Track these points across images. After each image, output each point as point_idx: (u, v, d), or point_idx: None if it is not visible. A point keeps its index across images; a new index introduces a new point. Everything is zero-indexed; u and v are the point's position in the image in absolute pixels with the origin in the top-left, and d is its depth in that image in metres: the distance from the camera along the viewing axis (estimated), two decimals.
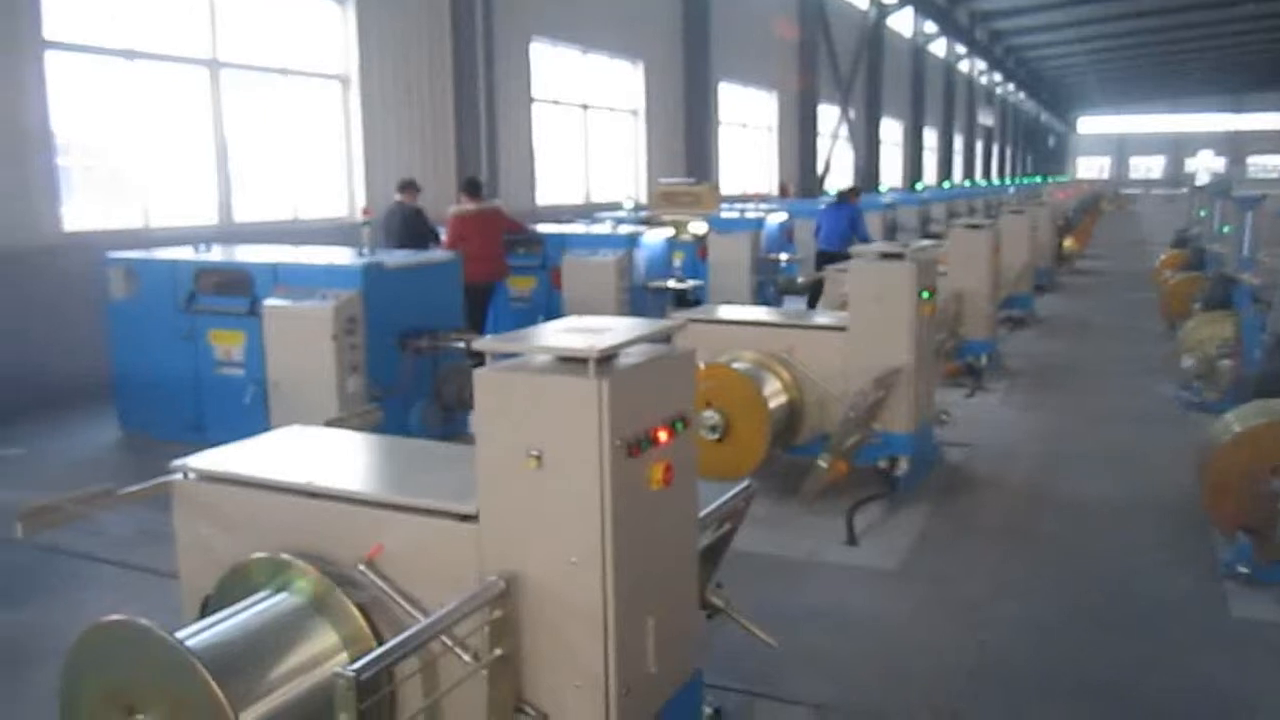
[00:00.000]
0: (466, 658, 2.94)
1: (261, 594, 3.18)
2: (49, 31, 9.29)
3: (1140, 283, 16.64)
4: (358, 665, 2.38)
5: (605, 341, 2.85)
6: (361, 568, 3.09)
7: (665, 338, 3.15)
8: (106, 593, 5.05)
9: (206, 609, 3.38)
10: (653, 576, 3.03)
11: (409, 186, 10.42)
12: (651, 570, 3.02)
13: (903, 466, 6.38)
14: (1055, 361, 10.94)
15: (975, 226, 10.05)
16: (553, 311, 10.52)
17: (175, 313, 7.42)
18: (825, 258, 12.15)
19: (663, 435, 2.99)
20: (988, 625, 4.63)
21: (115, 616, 2.77)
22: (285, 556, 3.17)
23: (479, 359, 3.03)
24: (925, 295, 6.50)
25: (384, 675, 2.66)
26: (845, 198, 13.30)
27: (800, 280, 13.22)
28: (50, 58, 9.31)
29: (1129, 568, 5.31)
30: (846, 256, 12.10)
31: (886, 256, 6.56)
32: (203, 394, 7.35)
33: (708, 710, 3.56)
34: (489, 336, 2.97)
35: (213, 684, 2.59)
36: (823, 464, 6.01)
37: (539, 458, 2.82)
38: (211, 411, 7.25)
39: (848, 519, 5.81)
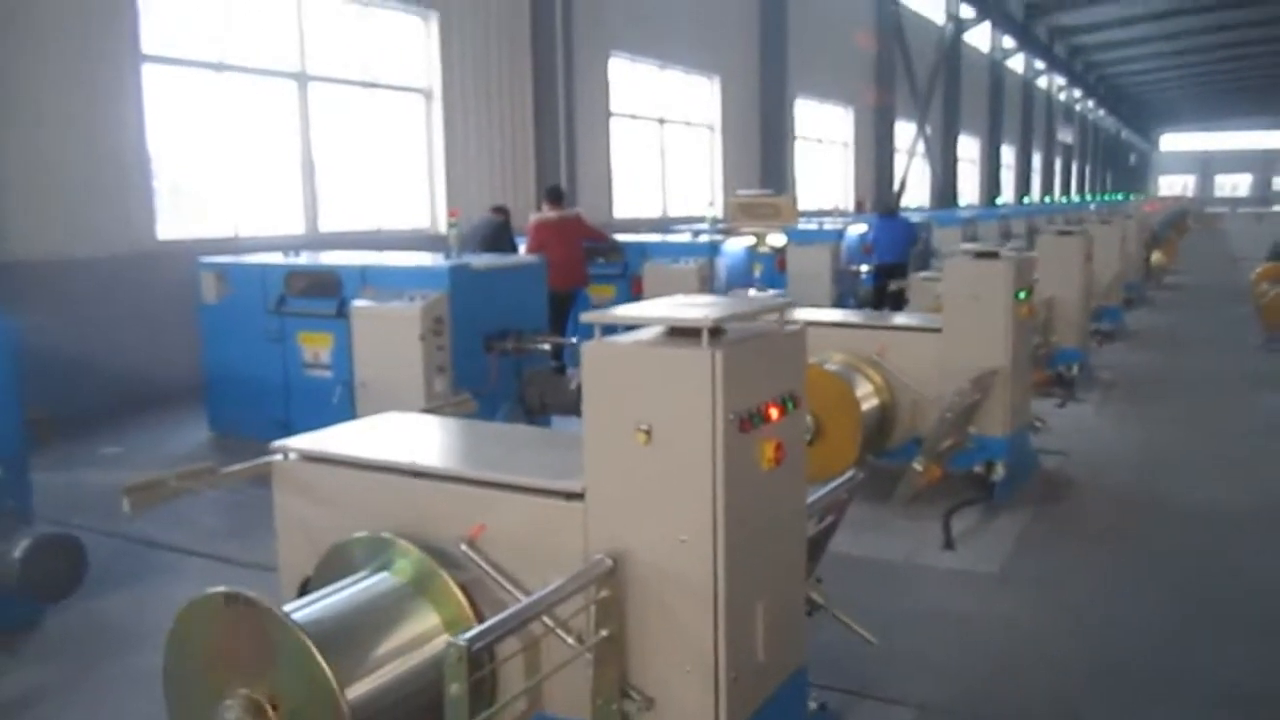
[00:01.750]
0: (570, 639, 2.87)
1: (362, 574, 3.15)
2: (146, 45, 9.54)
3: (1232, 297, 16.09)
4: (470, 635, 2.32)
5: (718, 312, 2.77)
6: (464, 547, 3.04)
7: (777, 314, 3.06)
8: (199, 582, 5.06)
9: (305, 590, 3.36)
10: (763, 560, 2.93)
11: (500, 210, 10.46)
12: (762, 553, 2.92)
13: (999, 471, 6.17)
14: (1150, 374, 10.59)
15: (1067, 233, 9.79)
16: None
17: (265, 315, 7.51)
18: (884, 270, 12.22)
19: (774, 412, 2.89)
20: (1100, 629, 4.43)
21: (220, 589, 2.75)
22: (386, 535, 3.14)
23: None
24: (1022, 295, 6.30)
25: (485, 654, 2.59)
26: (893, 210, 13.76)
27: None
28: (146, 71, 9.56)
29: (1249, 574, 5.05)
30: (904, 268, 12.34)
31: (982, 255, 6.39)
32: (291, 395, 7.43)
33: (812, 705, 3.44)
34: (598, 310, 2.90)
35: (319, 659, 2.55)
36: (918, 467, 5.85)
37: (648, 433, 2.74)
38: (299, 412, 7.31)
39: (944, 523, 5.63)
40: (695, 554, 2.73)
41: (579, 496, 2.90)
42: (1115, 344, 12.15)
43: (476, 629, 2.36)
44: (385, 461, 3.28)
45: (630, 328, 2.97)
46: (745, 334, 2.89)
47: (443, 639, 2.98)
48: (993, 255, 6.37)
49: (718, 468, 2.68)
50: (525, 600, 2.57)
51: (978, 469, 6.23)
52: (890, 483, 5.70)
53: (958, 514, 5.76)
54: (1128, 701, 3.79)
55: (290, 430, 3.66)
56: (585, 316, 2.90)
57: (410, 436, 3.65)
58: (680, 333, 2.83)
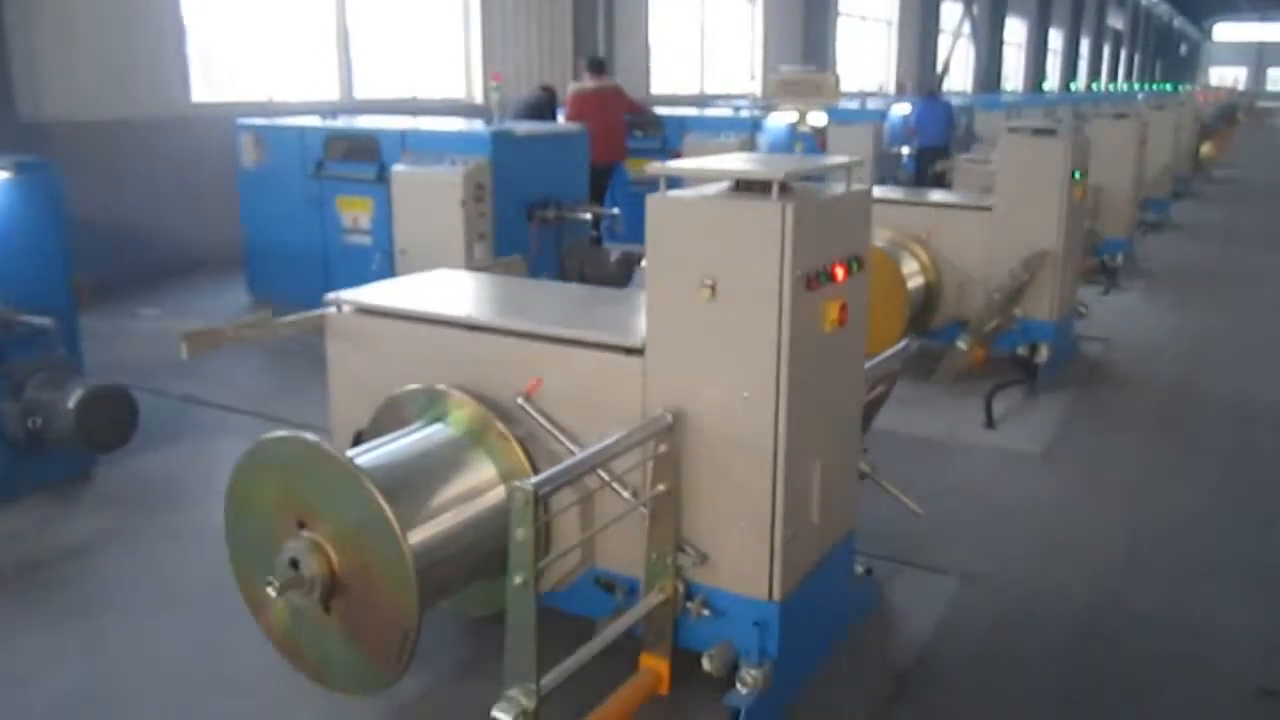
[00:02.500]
0: (626, 494, 2.88)
1: (417, 425, 3.16)
2: None
3: None
4: (536, 480, 2.32)
5: (789, 166, 2.69)
6: (520, 401, 3.04)
7: (845, 172, 2.97)
8: (246, 439, 5.13)
9: (359, 443, 3.38)
10: (822, 422, 2.92)
11: (547, 89, 10.21)
12: (821, 415, 2.90)
13: (1043, 354, 6.11)
14: (1196, 266, 10.38)
15: (1121, 116, 9.48)
16: None
17: (303, 179, 7.44)
18: (926, 154, 11.98)
19: (839, 272, 2.84)
20: (1140, 511, 4.42)
21: (282, 432, 2.77)
22: (442, 387, 3.14)
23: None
24: (1077, 176, 6.13)
25: (542, 505, 2.59)
26: (934, 93, 13.35)
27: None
28: None
29: None
30: (946, 151, 12.08)
31: (1039, 133, 6.20)
32: (330, 261, 7.40)
33: (859, 570, 3.47)
34: (662, 161, 2.82)
35: (382, 501, 2.56)
36: (963, 346, 5.80)
37: (713, 288, 2.69)
38: (338, 279, 7.17)
39: (987, 402, 5.60)
40: (756, 412, 2.71)
41: (639, 352, 2.87)
42: (1160, 236, 11.90)
43: (542, 475, 2.36)
44: (440, 315, 3.26)
45: (666, 183, 2.89)
46: (813, 192, 2.81)
47: (500, 489, 3.01)
48: (1050, 133, 6.18)
49: (783, 325, 2.63)
50: (585, 452, 2.56)
51: (1021, 351, 6.17)
52: (933, 363, 5.66)
53: (1000, 395, 5.72)
54: (1165, 582, 3.80)
55: None
56: (651, 168, 2.82)
57: (464, 291, 3.62)
58: (748, 188, 2.75)
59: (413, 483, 2.90)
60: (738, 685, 2.79)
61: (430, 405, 3.17)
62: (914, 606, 3.59)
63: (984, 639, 3.42)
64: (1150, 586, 3.76)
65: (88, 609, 3.58)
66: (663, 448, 2.79)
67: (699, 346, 2.75)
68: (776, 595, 2.82)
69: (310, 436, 2.74)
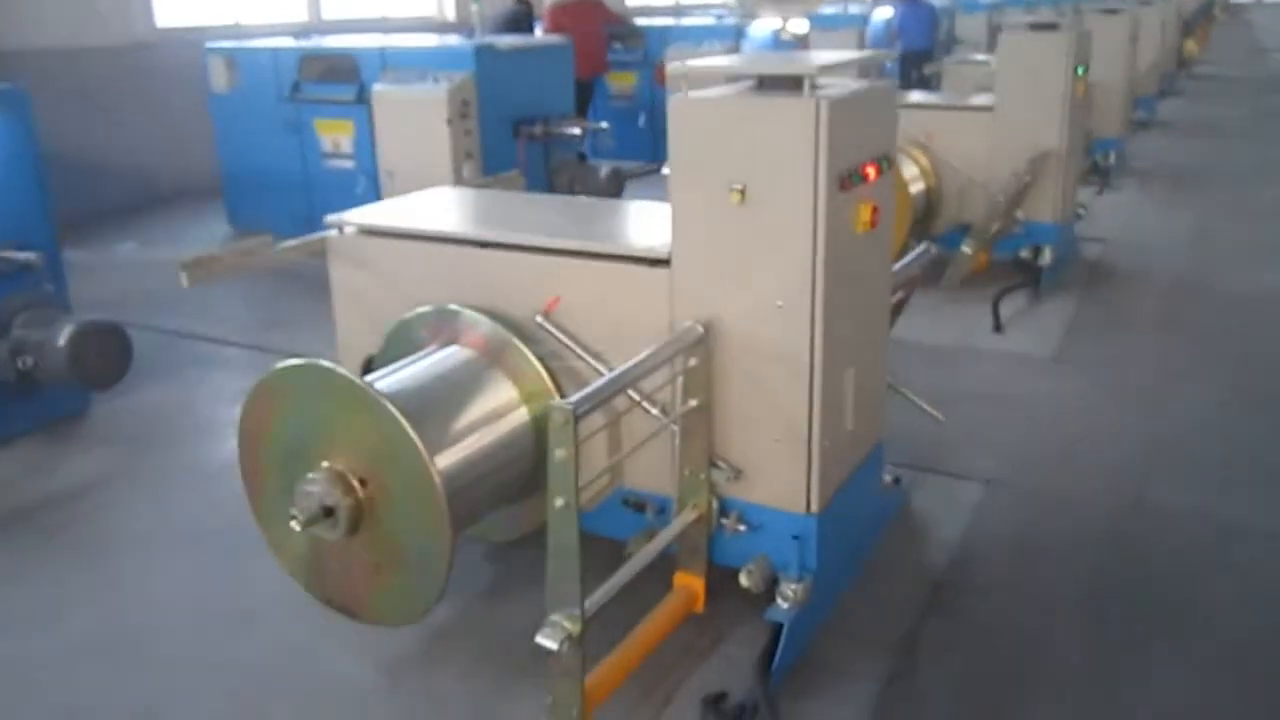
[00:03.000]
0: (655, 411, 2.79)
1: (431, 348, 3.05)
2: None
3: (1267, 89, 15.52)
4: (575, 399, 2.22)
5: (822, 59, 2.55)
6: (539, 320, 2.93)
7: (876, 69, 2.83)
8: (243, 372, 5.02)
9: (369, 369, 3.27)
10: (855, 327, 2.82)
11: (523, 1, 9.85)
12: (854, 321, 2.81)
13: (1047, 257, 6.02)
14: (1187, 163, 10.27)
15: (1113, 12, 9.27)
16: (656, 109, 10.10)
17: (279, 103, 7.17)
18: (910, 57, 11.69)
19: (871, 172, 2.72)
20: (1159, 410, 4.38)
21: (296, 360, 2.64)
22: (455, 308, 3.02)
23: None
24: (1080, 71, 5.98)
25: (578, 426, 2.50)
26: None
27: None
28: None
29: None
30: (930, 54, 11.82)
31: (1039, 27, 6.02)
32: (312, 187, 7.18)
33: (887, 478, 3.41)
34: (681, 61, 2.67)
35: (408, 427, 2.46)
36: (968, 250, 5.72)
37: (743, 192, 2.57)
38: (322, 205, 6.95)
39: (993, 306, 5.53)
40: (791, 319, 2.61)
41: (664, 263, 2.75)
42: (1149, 133, 11.77)
43: (579, 394, 2.25)
44: (449, 233, 3.13)
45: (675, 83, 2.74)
46: (843, 88, 2.67)
47: (522, 410, 2.91)
48: (1051, 28, 6.01)
49: (819, 228, 2.52)
50: (615, 370, 2.46)
51: (1024, 254, 6.08)
52: (936, 269, 5.56)
53: (1006, 299, 5.65)
54: (1189, 485, 3.76)
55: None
56: (672, 69, 2.67)
57: (470, 208, 3.48)
58: (775, 85, 2.61)
59: (434, 406, 2.79)
60: (778, 600, 2.74)
61: (444, 327, 3.05)
62: (941, 514, 3.55)
63: (1013, 544, 3.38)
64: (1174, 489, 3.72)
65: (98, 550, 3.48)
66: (693, 361, 2.69)
67: (728, 254, 2.64)
68: (814, 508, 2.75)
69: (325, 363, 2.62)
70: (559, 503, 2.23)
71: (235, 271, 3.20)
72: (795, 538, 2.74)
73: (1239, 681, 2.73)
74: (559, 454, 2.20)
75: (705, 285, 2.69)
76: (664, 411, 2.81)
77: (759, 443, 2.75)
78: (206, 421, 4.52)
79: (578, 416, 2.18)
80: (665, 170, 2.75)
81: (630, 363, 2.47)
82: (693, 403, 2.72)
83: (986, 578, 3.19)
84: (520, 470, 2.93)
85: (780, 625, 2.71)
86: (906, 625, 2.96)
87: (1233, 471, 3.85)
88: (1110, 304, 5.88)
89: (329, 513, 2.56)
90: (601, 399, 2.33)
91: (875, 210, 2.75)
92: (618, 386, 2.41)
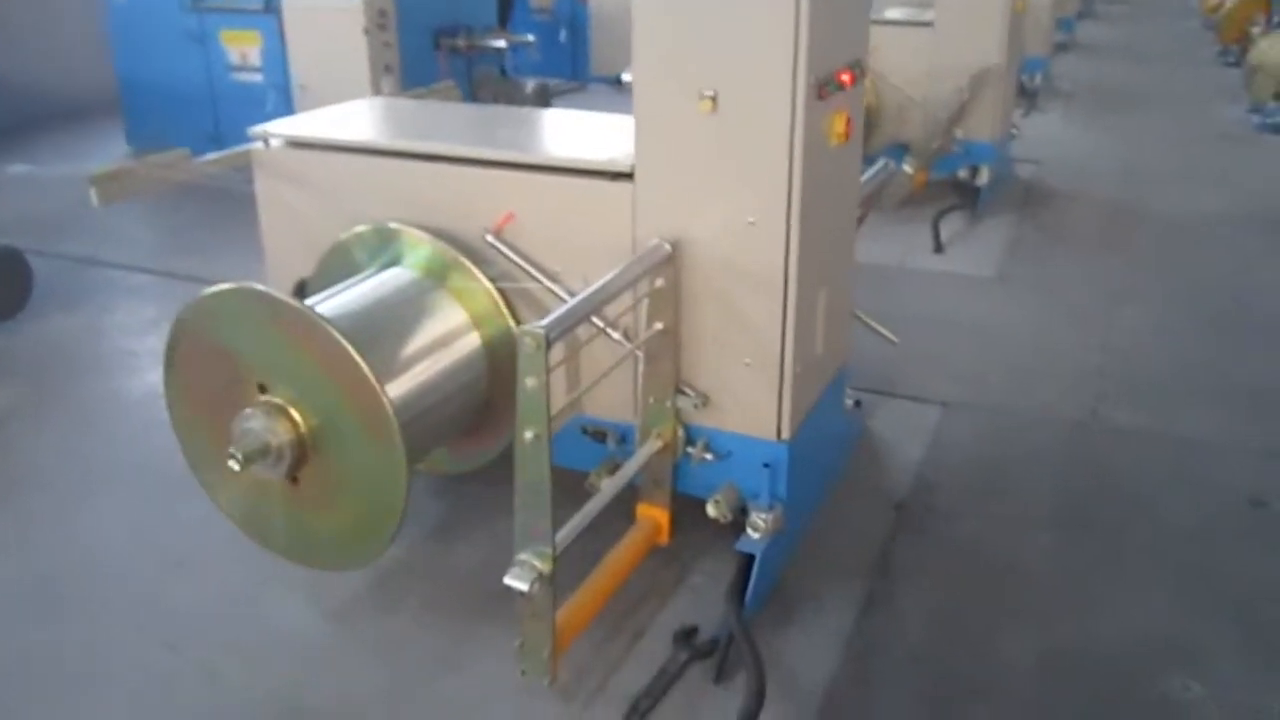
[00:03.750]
0: (617, 335, 2.63)
1: (371, 271, 2.83)
2: None
3: (1182, 12, 15.69)
4: (546, 323, 2.04)
5: None
6: (489, 239, 2.72)
7: None
8: (155, 300, 4.71)
9: (303, 293, 3.04)
10: (827, 246, 2.69)
11: None
12: (826, 239, 2.67)
13: (984, 176, 5.97)
14: (1108, 84, 10.33)
15: None
16: (578, 25, 9.76)
17: (180, 13, 6.69)
18: None
19: (846, 79, 2.56)
20: (1106, 331, 4.37)
21: (227, 285, 2.41)
22: (396, 226, 2.80)
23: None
24: None
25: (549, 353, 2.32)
26: None
27: None
28: None
29: (1242, 276, 5.01)
30: None
31: None
32: (218, 102, 6.75)
33: (848, 403, 3.31)
34: None
35: (355, 353, 2.26)
36: (909, 169, 5.62)
37: (714, 99, 2.39)
38: (229, 122, 6.64)
39: (933, 226, 5.47)
40: (764, 237, 2.46)
41: (627, 177, 2.57)
42: (1069, 55, 11.81)
43: (550, 318, 2.08)
44: (389, 145, 2.89)
45: None
46: None
47: (473, 336, 2.73)
48: None
49: (796, 138, 2.36)
50: (588, 290, 2.28)
51: (962, 175, 6.02)
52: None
53: (945, 218, 5.59)
54: (1142, 399, 3.76)
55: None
56: None
57: (410, 120, 3.24)
58: None
59: (381, 331, 2.59)
60: (748, 530, 2.63)
61: (384, 248, 2.84)
62: (901, 437, 3.48)
63: (974, 465, 3.33)
64: (1129, 404, 3.72)
65: (7, 491, 3.22)
66: (659, 282, 2.53)
67: (697, 168, 2.47)
68: (785, 434, 2.64)
69: (259, 287, 2.40)
70: (529, 435, 2.06)
71: (149, 188, 2.92)
72: (766, 466, 2.63)
73: (1205, 592, 2.72)
74: (530, 382, 2.03)
75: (671, 201, 2.52)
76: (626, 336, 2.65)
77: (728, 368, 2.62)
78: (118, 352, 4.22)
79: (549, 342, 2.01)
80: (627, 77, 2.55)
81: (598, 284, 2.30)
82: (658, 326, 2.56)
83: (951, 500, 3.14)
84: (473, 398, 2.75)
85: (751, 556, 2.61)
86: (876, 551, 2.89)
87: (1183, 388, 3.85)
88: (1048, 225, 5.86)
89: (269, 450, 2.36)
90: (572, 323, 2.15)
91: (849, 122, 2.61)
92: (587, 309, 2.24)
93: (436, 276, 2.77)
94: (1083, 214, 6.10)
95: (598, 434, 2.83)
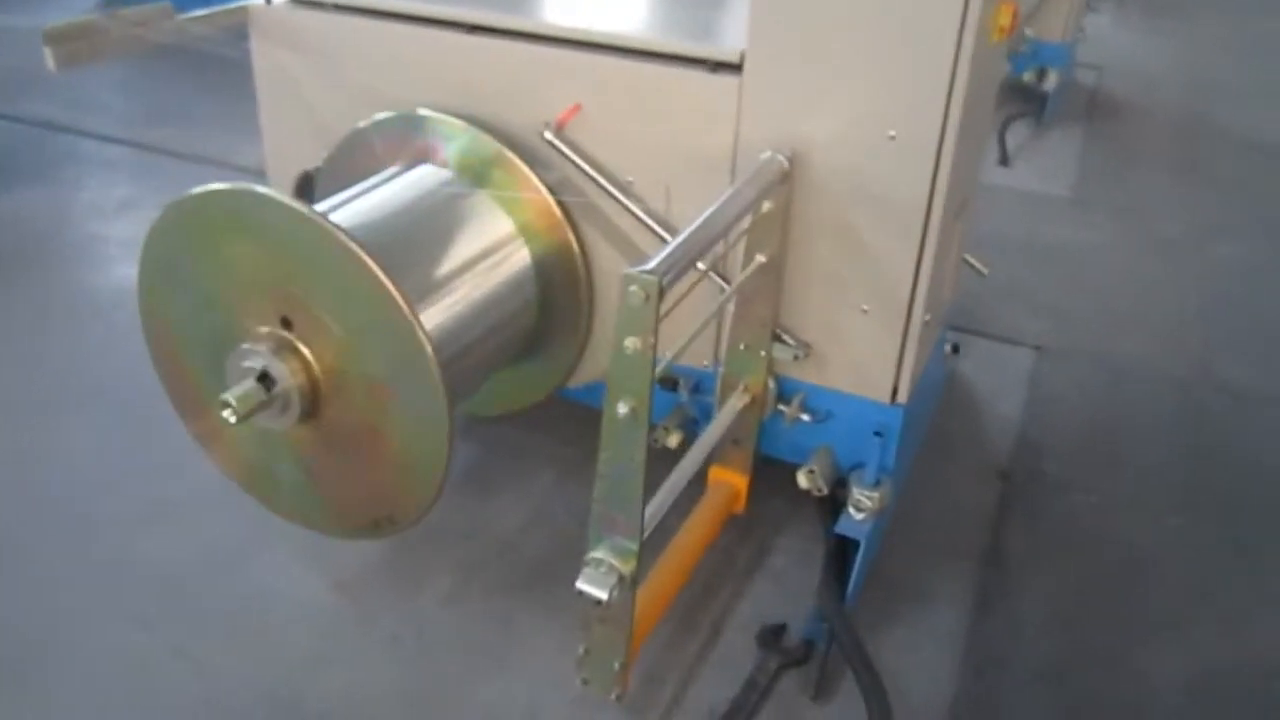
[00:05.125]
0: (702, 265, 2.13)
1: (397, 168, 2.30)
2: None
3: None
4: (656, 264, 1.54)
5: None
6: (548, 135, 2.19)
7: None
8: (130, 177, 4.14)
9: (308, 189, 2.52)
10: (968, 168, 2.18)
11: None
12: (969, 159, 2.16)
13: (1052, 80, 5.41)
14: None
15: None
16: None
17: None
18: None
19: None
20: (1201, 267, 3.90)
21: (219, 185, 1.87)
22: (427, 113, 2.26)
23: None
24: None
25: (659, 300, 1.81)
26: None
27: None
28: None
29: None
30: None
31: None
32: None
33: (946, 347, 2.84)
34: None
35: (383, 276, 1.75)
36: None
37: None
38: None
39: (1000, 136, 4.93)
40: (908, 155, 1.94)
41: (734, 68, 2.02)
42: None
43: (660, 257, 1.57)
44: (423, 9, 2.31)
45: None
46: None
47: (523, 251, 2.22)
48: None
49: (966, 29, 1.82)
50: (708, 211, 1.76)
51: (1028, 77, 5.46)
52: None
53: (1010, 127, 5.05)
54: (1251, 349, 3.32)
55: None
56: None
57: None
58: None
59: (413, 246, 2.09)
60: (851, 511, 2.18)
61: (412, 140, 2.30)
62: (994, 386, 3.03)
63: (1080, 425, 2.90)
64: (1241, 360, 3.26)
65: None
66: (767, 205, 2.02)
67: (828, 61, 1.93)
68: (901, 396, 2.17)
69: (262, 189, 1.87)
70: (624, 409, 1.58)
71: (121, 49, 2.34)
72: (878, 434, 2.16)
73: None
74: (631, 344, 1.53)
75: (789, 102, 1.99)
76: (716, 270, 2.15)
77: (839, 314, 2.13)
78: (86, 238, 3.67)
79: (664, 290, 1.51)
80: None
81: (711, 209, 1.78)
82: (760, 259, 2.06)
83: (1062, 468, 2.70)
84: (521, 329, 2.27)
85: (853, 542, 2.17)
86: (984, 531, 2.46)
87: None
88: (1118, 139, 5.33)
89: (274, 395, 1.87)
90: (685, 264, 1.64)
91: (1015, 15, 2.06)
92: (702, 243, 1.72)
93: (478, 178, 2.24)
94: (1155, 130, 5.55)
95: (667, 380, 2.35)
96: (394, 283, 1.76)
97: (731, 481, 2.32)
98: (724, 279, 2.15)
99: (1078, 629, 2.21)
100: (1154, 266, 3.88)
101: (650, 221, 2.16)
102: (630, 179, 2.19)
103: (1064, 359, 3.19)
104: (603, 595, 1.69)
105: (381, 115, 2.33)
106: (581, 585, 1.70)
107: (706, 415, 2.30)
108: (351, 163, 2.37)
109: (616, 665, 1.82)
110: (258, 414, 1.86)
